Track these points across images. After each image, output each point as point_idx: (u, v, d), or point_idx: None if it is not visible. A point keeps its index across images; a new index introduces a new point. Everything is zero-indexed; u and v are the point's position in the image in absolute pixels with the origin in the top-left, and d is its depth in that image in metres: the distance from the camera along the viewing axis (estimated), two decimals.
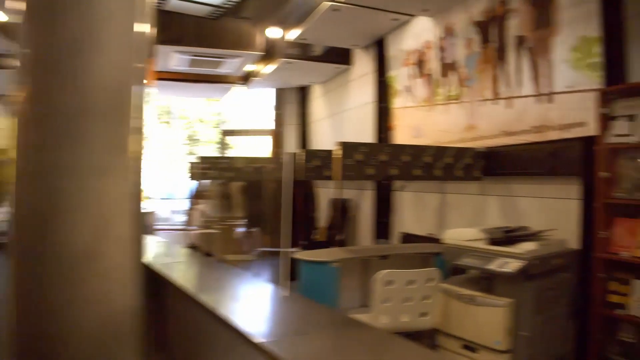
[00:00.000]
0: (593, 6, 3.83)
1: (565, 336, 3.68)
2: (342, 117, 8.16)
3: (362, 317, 3.51)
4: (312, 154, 4.90)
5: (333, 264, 3.79)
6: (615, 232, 3.45)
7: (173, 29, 7.32)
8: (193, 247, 6.78)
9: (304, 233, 7.99)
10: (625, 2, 3.69)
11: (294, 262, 4.06)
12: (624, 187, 3.41)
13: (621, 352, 3.36)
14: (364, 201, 7.13)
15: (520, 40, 4.52)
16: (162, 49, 7.43)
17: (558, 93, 4.14)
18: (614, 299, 3.40)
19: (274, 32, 7.38)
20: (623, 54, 3.69)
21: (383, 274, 3.28)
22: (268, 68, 8.03)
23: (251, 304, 2.33)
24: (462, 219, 5.13)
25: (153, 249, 3.58)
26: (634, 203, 3.33)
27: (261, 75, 8.42)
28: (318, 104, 9.25)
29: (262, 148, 10.97)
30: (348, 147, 4.03)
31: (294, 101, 10.01)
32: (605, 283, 3.45)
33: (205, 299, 2.15)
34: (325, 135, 8.75)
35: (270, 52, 7.80)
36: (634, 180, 3.36)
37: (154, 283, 2.65)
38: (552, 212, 4.18)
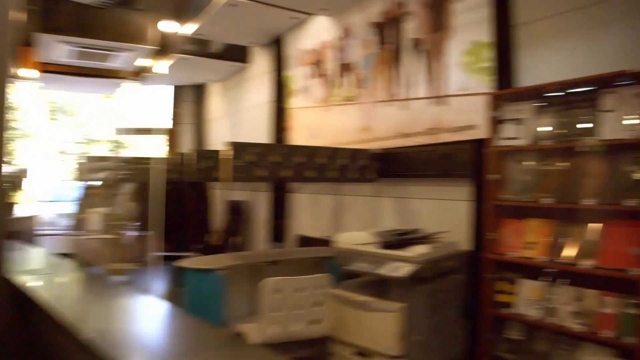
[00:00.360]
0: (485, 12, 3.89)
1: (457, 337, 3.69)
2: (239, 116, 7.95)
3: (250, 327, 3.33)
4: (203, 155, 4.64)
5: (219, 271, 3.55)
6: (503, 233, 3.49)
7: (58, 16, 6.72)
8: (73, 255, 6.26)
9: (198, 236, 7.70)
10: (514, 10, 3.76)
11: (180, 270, 3.78)
12: (511, 189, 3.46)
13: (509, 350, 3.41)
14: (261, 203, 6.94)
15: (416, 43, 4.53)
16: (46, 38, 6.81)
17: (451, 96, 4.17)
18: (502, 298, 3.45)
19: (169, 26, 7.01)
20: (512, 60, 3.76)
21: (271, 281, 3.10)
22: (163, 64, 7.63)
23: (124, 322, 2.05)
24: (358, 221, 5.08)
25: (24, 258, 3.15)
26: (520, 205, 3.38)
27: (156, 71, 8.00)
28: (215, 103, 9.01)
29: (158, 147, 10.50)
30: (238, 148, 3.82)
31: (192, 99, 9.67)
32: (494, 283, 3.49)
33: (70, 318, 1.85)
34: (222, 135, 8.49)
35: (165, 47, 7.40)
36: (521, 182, 3.42)
37: (18, 299, 2.29)
38: (445, 214, 4.20)
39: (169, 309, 2.14)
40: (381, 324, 3.18)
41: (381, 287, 3.35)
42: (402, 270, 3.04)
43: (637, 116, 2.84)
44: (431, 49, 4.37)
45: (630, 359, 2.77)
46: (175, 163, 6.35)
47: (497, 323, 3.48)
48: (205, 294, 3.60)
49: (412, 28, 4.59)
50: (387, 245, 3.32)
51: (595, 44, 3.29)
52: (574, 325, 3.02)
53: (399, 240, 3.37)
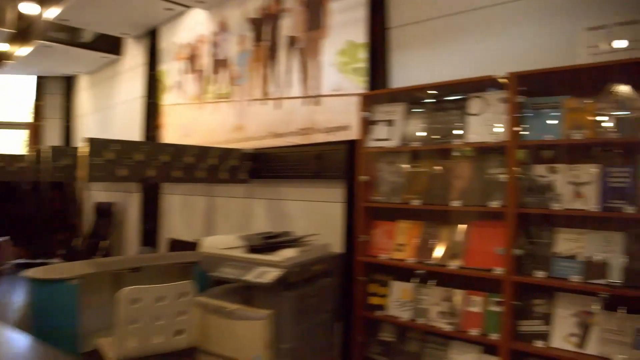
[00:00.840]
0: (360, 13, 3.88)
1: (329, 342, 3.61)
2: (110, 112, 7.47)
3: (108, 342, 3.04)
4: (61, 152, 4.21)
5: (71, 281, 3.20)
6: (375, 235, 3.47)
7: None
8: None
9: (65, 241, 7.13)
10: (388, 13, 3.78)
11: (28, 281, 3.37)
12: (382, 190, 3.44)
13: (382, 352, 3.40)
14: (131, 205, 6.53)
15: (292, 41, 4.43)
16: None
17: (325, 96, 4.11)
18: (374, 300, 3.43)
19: (29, 8, 6.37)
20: (386, 61, 3.76)
21: (126, 291, 2.82)
22: (23, 50, 6.95)
23: None
24: (230, 224, 4.90)
25: None
26: (391, 206, 3.37)
27: (14, 58, 7.29)
28: (86, 97, 8.41)
29: (17, 143, 9.60)
30: (96, 144, 3.47)
31: (59, 92, 8.95)
32: (366, 286, 3.47)
33: None
34: (93, 132, 7.93)
35: (25, 32, 6.74)
36: (392, 183, 3.41)
37: None
38: (319, 216, 4.13)
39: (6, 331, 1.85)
40: (249, 333, 3.02)
41: (249, 293, 3.18)
42: (268, 275, 2.89)
43: (501, 121, 2.91)
44: (307, 48, 4.30)
45: (495, 354, 2.84)
46: (31, 161, 5.78)
47: (370, 326, 3.47)
48: (56, 307, 3.23)
49: (288, 25, 4.48)
50: (254, 250, 3.16)
51: (467, 50, 3.36)
52: (443, 324, 3.06)
53: (267, 244, 3.22)
